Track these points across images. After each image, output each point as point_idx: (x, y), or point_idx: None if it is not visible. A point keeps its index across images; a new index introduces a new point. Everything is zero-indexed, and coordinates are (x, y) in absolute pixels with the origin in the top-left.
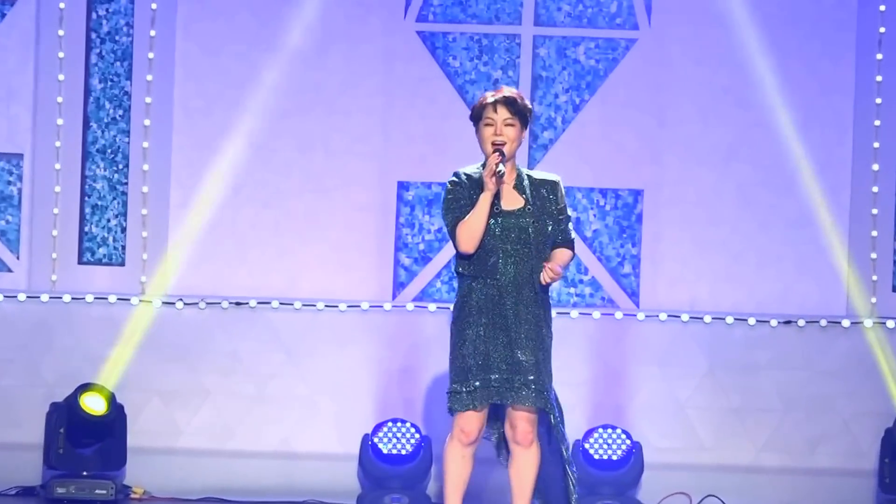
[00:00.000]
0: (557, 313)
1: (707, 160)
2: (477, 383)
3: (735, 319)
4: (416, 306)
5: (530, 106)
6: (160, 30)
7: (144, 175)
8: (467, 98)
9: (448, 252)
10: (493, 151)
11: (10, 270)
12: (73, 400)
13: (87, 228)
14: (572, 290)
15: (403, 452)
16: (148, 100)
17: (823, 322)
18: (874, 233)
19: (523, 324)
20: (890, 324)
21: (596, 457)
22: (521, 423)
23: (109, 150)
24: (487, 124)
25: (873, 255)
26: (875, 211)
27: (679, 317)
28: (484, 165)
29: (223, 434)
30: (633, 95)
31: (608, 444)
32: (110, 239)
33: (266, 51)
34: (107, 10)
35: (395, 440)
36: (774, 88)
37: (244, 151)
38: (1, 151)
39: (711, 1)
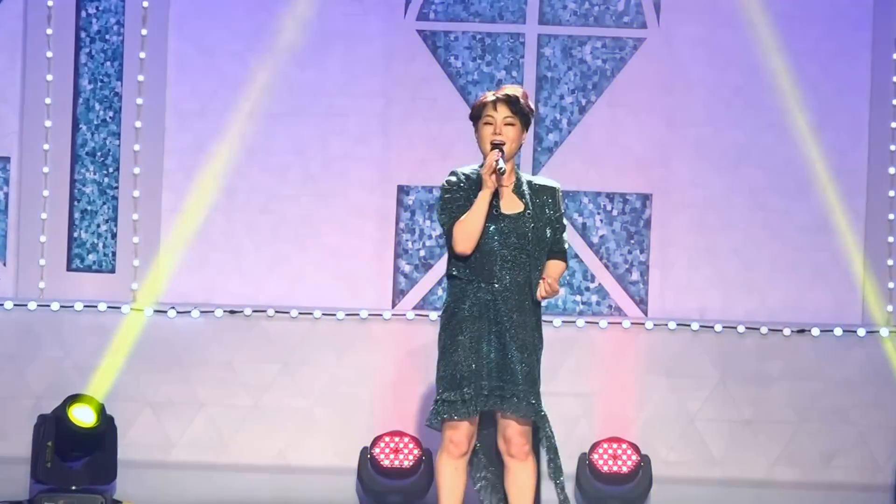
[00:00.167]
0: (563, 322)
1: (718, 163)
2: (470, 391)
3: (747, 328)
4: (416, 315)
5: (532, 106)
6: (152, 28)
7: (135, 179)
8: (469, 99)
9: None
10: (492, 148)
11: None
12: (61, 412)
13: (76, 234)
14: (578, 297)
15: (403, 466)
16: (139, 101)
17: (838, 331)
18: (890, 239)
19: (517, 331)
20: None
21: (603, 470)
22: (516, 436)
23: (99, 153)
24: (487, 123)
25: (890, 262)
26: (892, 216)
27: (689, 325)
28: (482, 166)
29: (217, 447)
30: (641, 96)
31: (615, 458)
32: (100, 245)
33: (261, 50)
34: (97, 7)
35: (394, 453)
36: (787, 89)
37: (239, 154)
38: None
39: None
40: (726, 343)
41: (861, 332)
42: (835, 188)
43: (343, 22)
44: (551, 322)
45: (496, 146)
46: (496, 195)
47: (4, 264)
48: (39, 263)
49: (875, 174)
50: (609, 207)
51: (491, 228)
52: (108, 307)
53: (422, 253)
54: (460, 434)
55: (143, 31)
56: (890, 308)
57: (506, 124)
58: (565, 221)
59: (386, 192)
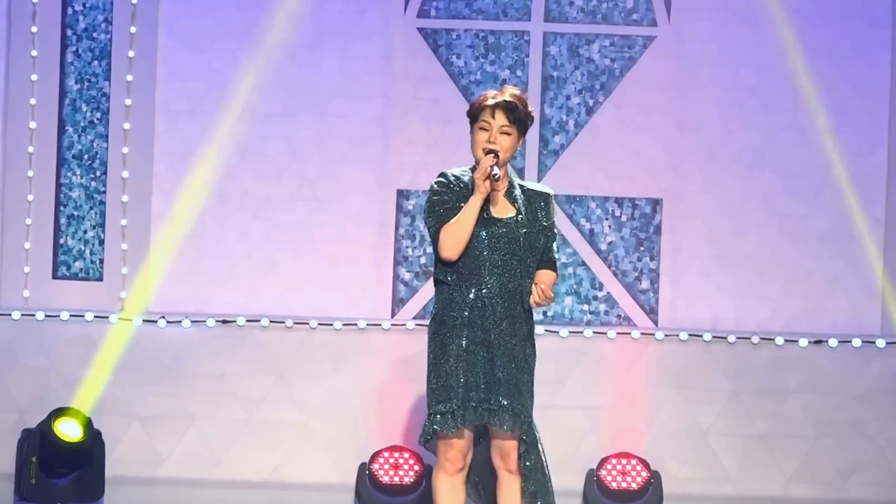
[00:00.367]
0: (570, 332)
1: (731, 167)
2: (458, 403)
3: (761, 339)
4: (416, 325)
5: (532, 114)
6: (141, 26)
7: (124, 183)
8: (472, 100)
9: None
10: (486, 154)
11: None
12: (46, 426)
13: (62, 240)
14: (586, 307)
15: (404, 483)
16: (128, 101)
17: (857, 342)
18: None
19: (506, 340)
20: None
21: (611, 487)
22: (512, 452)
23: (86, 156)
24: (482, 128)
25: None
26: None
27: (701, 336)
28: (473, 169)
29: (209, 462)
30: (651, 97)
31: (624, 474)
32: (87, 252)
33: (255, 48)
34: (84, 4)
35: (394, 469)
36: (803, 89)
37: (231, 157)
38: None
39: None
40: (740, 354)
41: (881, 342)
42: (853, 192)
43: (340, 19)
44: (558, 332)
45: (490, 152)
46: (487, 199)
47: None
48: (24, 271)
49: (895, 177)
50: (618, 213)
51: (481, 233)
52: (96, 317)
53: (422, 260)
54: (455, 450)
55: (132, 29)
56: None
57: (502, 132)
58: (556, 230)
59: (385, 196)
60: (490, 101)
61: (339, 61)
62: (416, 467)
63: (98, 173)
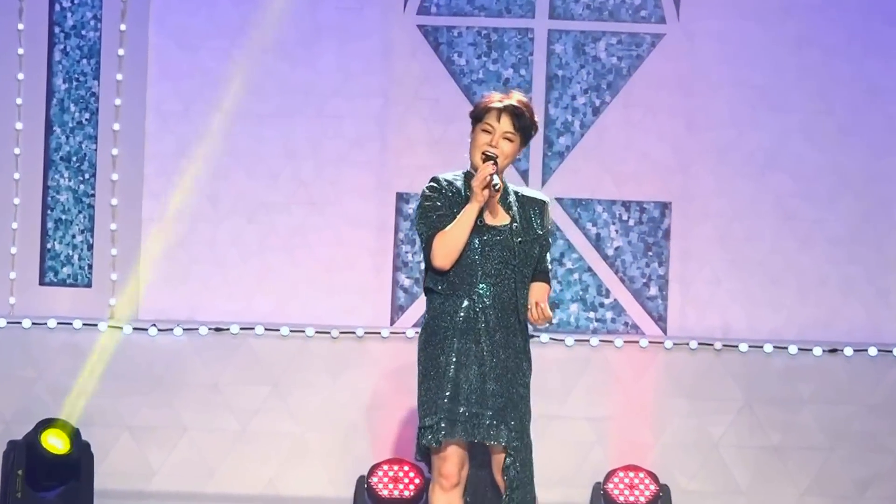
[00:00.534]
0: (575, 340)
1: (742, 169)
2: (445, 417)
3: (774, 348)
4: (416, 333)
5: (537, 123)
6: (131, 23)
7: (113, 185)
8: (474, 99)
9: None
10: (485, 161)
11: None
12: (32, 437)
13: (49, 245)
14: (592, 314)
15: (403, 497)
16: (117, 101)
17: (873, 350)
18: None
19: (499, 351)
20: None
21: (619, 501)
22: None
23: (75, 158)
24: (485, 130)
25: None
26: None
27: (711, 345)
28: (467, 174)
29: (202, 475)
30: (659, 97)
31: (632, 488)
32: (75, 257)
33: (249, 46)
34: (72, 1)
35: (393, 483)
36: (817, 89)
37: (225, 159)
38: None
39: None
40: (752, 363)
41: None
42: (868, 195)
43: (337, 16)
44: (563, 341)
45: (490, 159)
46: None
47: None
48: (9, 277)
49: None
50: (625, 217)
51: (473, 241)
52: (84, 324)
53: (423, 266)
54: (450, 464)
55: (122, 27)
56: None
57: (504, 138)
58: (551, 240)
59: (384, 199)
60: (497, 104)
61: (336, 60)
62: (417, 481)
63: (87, 176)
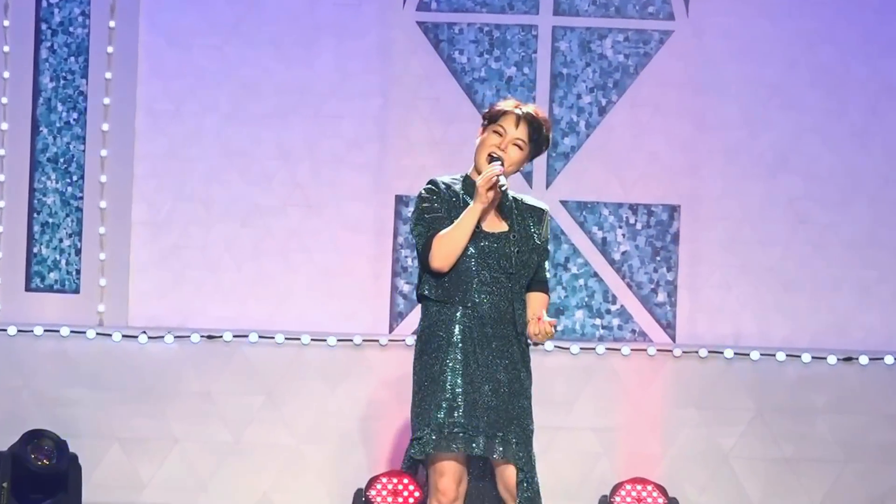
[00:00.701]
0: (581, 348)
1: (753, 171)
2: (436, 429)
3: (787, 356)
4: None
5: (549, 140)
6: (121, 20)
7: (102, 188)
8: (476, 98)
9: None
10: (490, 162)
11: None
12: (18, 448)
13: (35, 250)
14: (598, 321)
15: None
16: (106, 101)
17: (889, 358)
18: None
19: (497, 361)
20: None
21: None
22: (514, 480)
23: (62, 160)
24: (497, 132)
25: None
26: None
27: (721, 353)
28: (466, 179)
29: (193, 488)
30: (667, 96)
31: (639, 501)
32: (63, 262)
33: (243, 44)
34: None
35: (392, 496)
36: (830, 89)
37: (218, 160)
38: None
39: None
40: (763, 372)
41: None
42: (884, 198)
43: (334, 12)
44: (568, 348)
45: (496, 159)
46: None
47: None
48: None
49: None
50: (632, 220)
51: (469, 248)
52: (72, 331)
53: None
54: (447, 480)
55: (111, 24)
56: None
57: (515, 144)
58: (549, 247)
59: (382, 202)
60: (516, 110)
61: (333, 58)
62: (416, 494)
63: (74, 178)
